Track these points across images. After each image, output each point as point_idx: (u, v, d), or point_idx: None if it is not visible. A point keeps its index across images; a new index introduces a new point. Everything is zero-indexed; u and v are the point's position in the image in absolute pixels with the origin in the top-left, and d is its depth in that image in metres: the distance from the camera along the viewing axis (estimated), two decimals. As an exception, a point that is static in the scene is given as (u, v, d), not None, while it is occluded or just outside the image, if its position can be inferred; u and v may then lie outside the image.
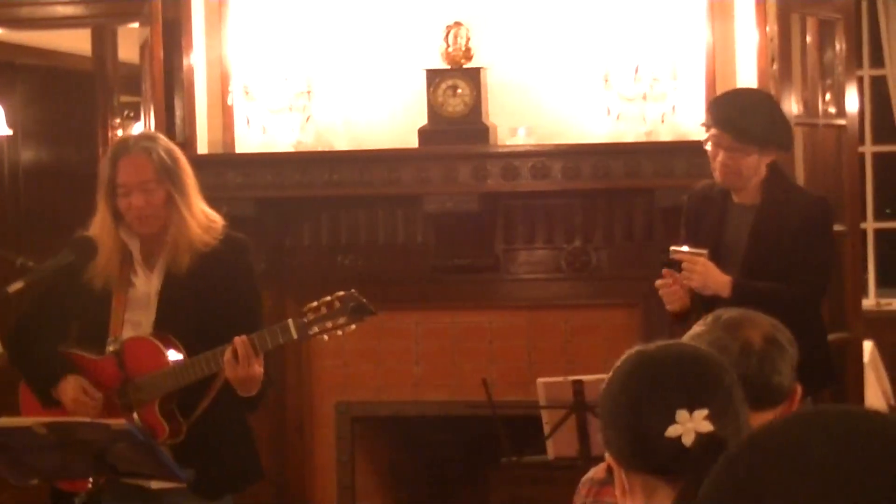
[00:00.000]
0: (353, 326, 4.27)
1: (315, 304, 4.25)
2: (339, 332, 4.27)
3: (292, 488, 6.62)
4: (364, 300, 4.25)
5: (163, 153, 4.41)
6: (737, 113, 4.87)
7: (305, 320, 4.23)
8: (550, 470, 5.74)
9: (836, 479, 1.18)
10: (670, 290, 4.80)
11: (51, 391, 4.43)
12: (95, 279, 4.43)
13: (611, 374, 2.17)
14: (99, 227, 4.45)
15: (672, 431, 2.05)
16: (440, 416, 6.54)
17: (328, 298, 4.25)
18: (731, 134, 4.83)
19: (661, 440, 2.06)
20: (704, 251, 4.79)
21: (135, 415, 4.37)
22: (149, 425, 4.34)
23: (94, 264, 4.42)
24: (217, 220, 4.50)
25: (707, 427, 2.04)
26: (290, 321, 4.24)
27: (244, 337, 4.22)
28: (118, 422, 4.08)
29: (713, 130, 4.89)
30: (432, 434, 6.88)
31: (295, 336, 4.24)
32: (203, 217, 4.45)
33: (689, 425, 2.04)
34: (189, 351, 4.36)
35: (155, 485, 4.37)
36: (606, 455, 2.17)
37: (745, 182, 4.90)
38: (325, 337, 4.28)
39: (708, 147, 4.91)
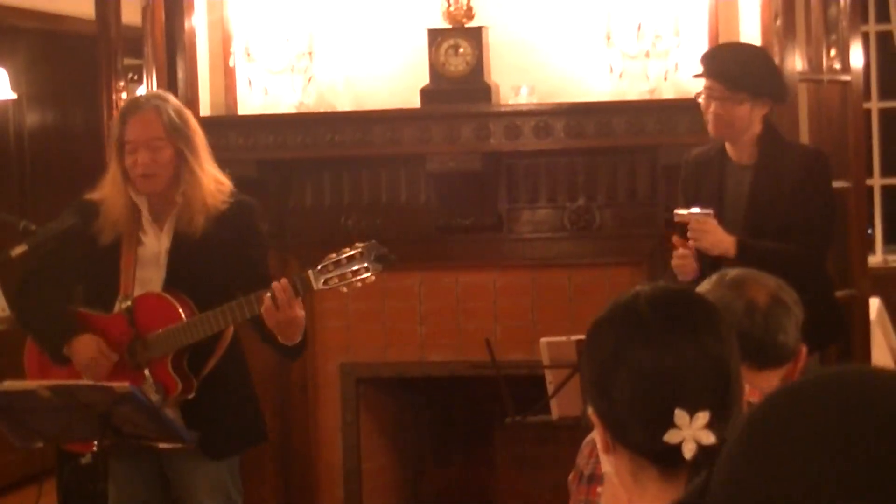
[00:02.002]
0: (374, 277, 4.24)
1: (334, 255, 4.23)
2: (359, 283, 4.24)
3: (297, 449, 6.63)
4: (385, 249, 4.22)
5: (172, 112, 4.44)
6: (729, 62, 4.86)
7: (325, 271, 4.21)
8: (554, 429, 5.74)
9: (851, 444, 1.16)
10: (684, 263, 4.77)
11: (62, 348, 4.43)
12: (103, 235, 4.44)
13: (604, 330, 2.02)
14: (109, 184, 4.48)
15: (670, 437, 1.90)
16: (444, 376, 6.54)
17: (348, 249, 4.22)
18: (723, 83, 4.81)
19: (656, 443, 1.92)
20: (710, 211, 4.78)
21: (146, 371, 4.37)
22: (161, 382, 4.36)
23: (100, 221, 4.42)
24: (225, 182, 4.52)
25: (709, 438, 1.87)
26: (310, 272, 4.22)
27: (284, 280, 4.20)
28: (122, 384, 4.09)
29: (706, 81, 4.87)
30: (436, 394, 6.89)
31: (315, 287, 4.22)
32: (213, 179, 4.46)
33: (688, 433, 1.89)
34: (199, 309, 4.37)
35: (162, 444, 4.37)
36: (590, 411, 2.02)
37: (738, 134, 4.86)
38: (345, 288, 4.25)
39: (701, 100, 4.89)
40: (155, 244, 4.47)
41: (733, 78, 4.81)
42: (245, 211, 4.50)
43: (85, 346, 4.40)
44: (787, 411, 1.21)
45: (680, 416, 1.89)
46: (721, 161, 4.96)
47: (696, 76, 4.98)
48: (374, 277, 4.23)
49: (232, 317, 4.30)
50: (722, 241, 4.74)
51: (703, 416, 1.89)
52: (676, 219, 4.81)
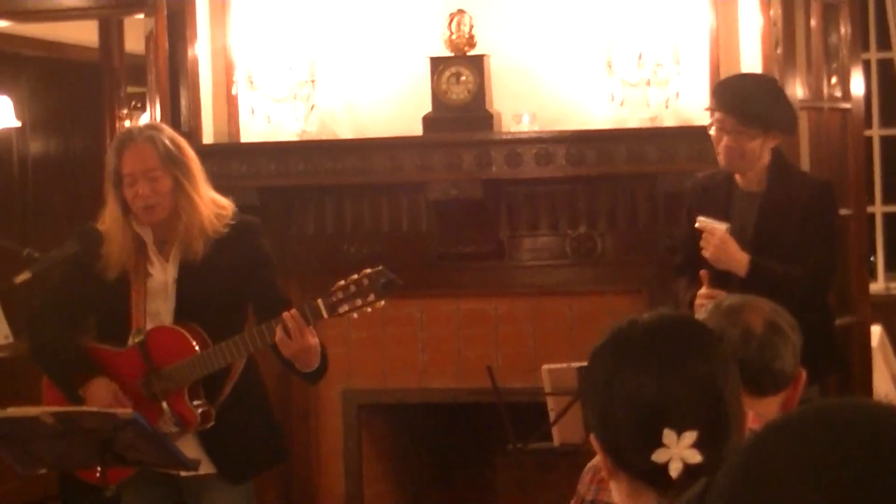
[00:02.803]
0: (383, 303, 4.25)
1: (343, 282, 4.24)
2: (369, 309, 4.25)
3: (299, 475, 6.63)
4: (393, 275, 4.22)
5: (167, 141, 4.43)
6: (741, 96, 4.87)
7: (335, 299, 4.22)
8: (554, 456, 5.74)
9: (845, 478, 1.18)
10: (703, 304, 4.74)
11: (77, 389, 4.43)
12: (109, 271, 4.43)
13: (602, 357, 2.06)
14: (109, 219, 4.47)
15: (658, 457, 1.93)
16: (445, 403, 6.55)
17: (356, 276, 4.23)
18: (735, 117, 4.83)
19: (646, 463, 1.96)
20: (726, 224, 4.80)
21: (164, 404, 4.37)
22: (179, 414, 4.35)
23: (106, 256, 4.42)
24: (227, 205, 4.51)
25: (695, 458, 1.91)
26: (319, 300, 4.22)
27: (294, 311, 4.21)
28: (124, 411, 4.10)
29: (717, 114, 4.89)
30: (438, 421, 6.89)
31: (325, 315, 4.22)
32: (212, 204, 4.46)
33: (675, 451, 1.93)
34: (211, 337, 4.37)
35: (184, 472, 4.37)
36: (592, 437, 2.07)
37: (749, 165, 4.89)
38: (355, 315, 4.26)
39: (712, 131, 4.91)
40: (162, 275, 4.46)
41: (746, 112, 4.83)
42: (248, 232, 4.50)
43: (100, 390, 4.39)
44: (784, 443, 1.23)
45: (668, 435, 1.93)
46: (728, 186, 4.98)
47: (709, 109, 4.99)
48: (382, 303, 4.24)
49: (245, 348, 4.31)
50: (732, 256, 4.77)
51: (689, 436, 1.92)
52: (698, 224, 4.82)
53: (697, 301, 4.75)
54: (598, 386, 2.01)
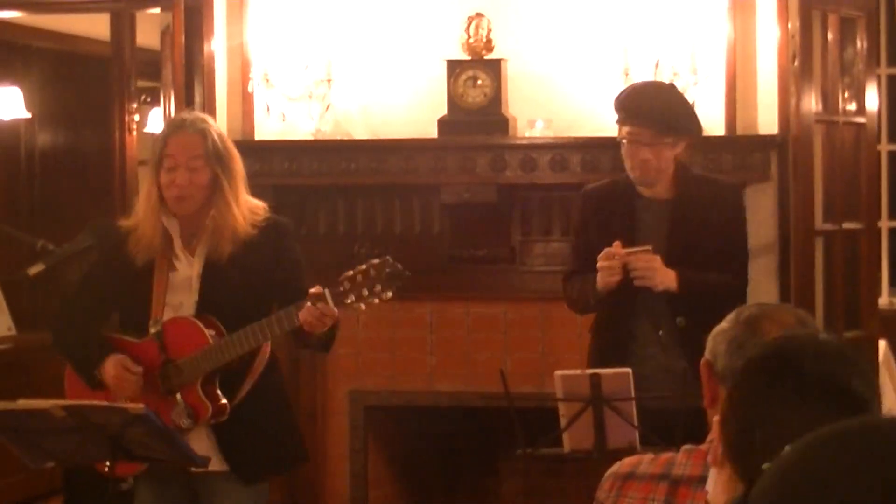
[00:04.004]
0: (390, 294, 4.23)
1: (350, 272, 4.22)
2: (376, 300, 4.23)
3: (304, 476, 6.62)
4: (399, 265, 4.21)
5: (216, 136, 4.43)
6: (654, 106, 4.79)
7: (341, 289, 4.21)
8: (562, 461, 5.74)
9: (884, 488, 1.18)
10: (612, 264, 4.74)
11: (95, 372, 4.44)
12: (137, 257, 4.42)
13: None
14: (144, 204, 4.46)
15: None
16: (453, 406, 6.54)
17: (363, 266, 4.21)
18: (652, 128, 4.76)
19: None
20: (649, 247, 4.75)
21: (178, 396, 4.37)
22: (192, 406, 4.34)
23: (134, 243, 4.41)
24: (260, 208, 4.50)
25: None
26: (326, 291, 4.20)
27: (309, 305, 4.19)
28: (136, 406, 4.09)
29: (629, 128, 4.80)
30: (444, 423, 6.88)
31: (332, 305, 4.21)
32: (246, 207, 4.45)
33: None
34: (230, 332, 4.36)
35: (195, 469, 4.36)
36: (717, 422, 1.97)
37: (663, 176, 4.84)
38: (362, 306, 4.24)
39: (624, 144, 4.83)
40: (187, 269, 4.45)
41: (661, 122, 4.76)
42: (277, 232, 4.48)
43: (110, 365, 4.41)
44: (826, 455, 1.23)
45: None
46: (630, 196, 4.90)
47: (621, 122, 4.88)
48: (390, 294, 4.22)
49: (255, 338, 4.30)
50: (668, 281, 4.73)
51: None
52: (624, 257, 4.71)
53: (599, 264, 4.73)
54: (749, 415, 1.87)
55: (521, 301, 6.48)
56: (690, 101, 5.06)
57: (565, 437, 5.03)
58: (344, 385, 6.61)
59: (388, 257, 4.24)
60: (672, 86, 5.26)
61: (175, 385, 4.38)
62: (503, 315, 6.48)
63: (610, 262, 4.72)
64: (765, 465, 1.34)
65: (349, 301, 4.20)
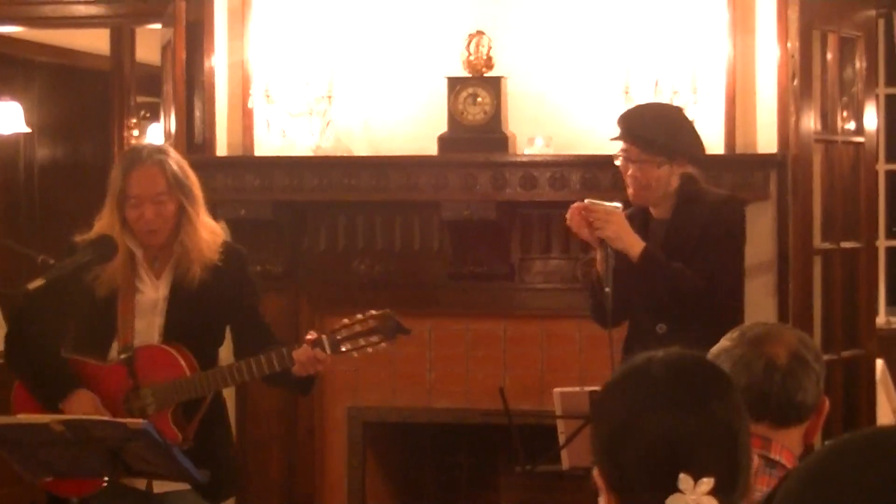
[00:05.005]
0: (386, 345, 4.30)
1: (347, 321, 4.28)
2: (370, 350, 4.29)
3: (302, 492, 6.62)
4: (400, 321, 4.27)
5: (175, 166, 4.46)
6: (644, 125, 4.84)
7: (339, 337, 4.26)
8: (559, 479, 5.74)
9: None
10: (572, 215, 4.79)
11: (58, 401, 4.42)
12: (101, 284, 4.44)
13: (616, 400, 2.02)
14: (107, 231, 4.47)
15: (672, 502, 1.88)
16: (451, 423, 6.54)
17: (361, 317, 4.27)
18: (639, 146, 4.81)
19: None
20: (619, 205, 4.79)
21: (143, 423, 4.37)
22: (162, 433, 4.34)
23: (99, 269, 4.43)
24: (218, 231, 4.57)
25: None
26: (323, 337, 4.28)
27: (305, 349, 4.28)
28: (135, 421, 4.10)
29: (623, 144, 4.87)
30: (442, 440, 6.89)
31: (329, 352, 4.27)
32: (208, 229, 4.50)
33: (691, 497, 1.87)
34: (194, 357, 4.40)
35: (157, 487, 4.38)
36: (596, 473, 2.01)
37: (655, 195, 4.85)
38: (356, 354, 4.31)
39: (618, 162, 4.89)
40: (153, 293, 4.48)
41: (650, 141, 4.80)
42: (238, 259, 4.55)
43: (81, 404, 4.40)
44: (844, 467, 1.24)
45: (684, 480, 1.88)
46: (644, 217, 4.95)
47: (614, 139, 4.95)
48: (385, 345, 4.30)
49: (242, 375, 4.38)
50: (630, 237, 4.73)
51: (707, 483, 1.88)
52: (588, 202, 4.80)
53: (569, 213, 4.79)
54: (613, 423, 1.97)
55: (521, 318, 6.49)
56: (691, 119, 5.08)
57: (564, 454, 5.05)
58: (342, 401, 6.61)
59: (389, 310, 4.31)
60: (676, 108, 5.28)
61: (137, 411, 4.39)
62: (502, 332, 6.49)
63: (571, 213, 4.78)
64: None
65: (344, 349, 4.30)
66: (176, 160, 4.50)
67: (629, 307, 4.87)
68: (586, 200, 4.84)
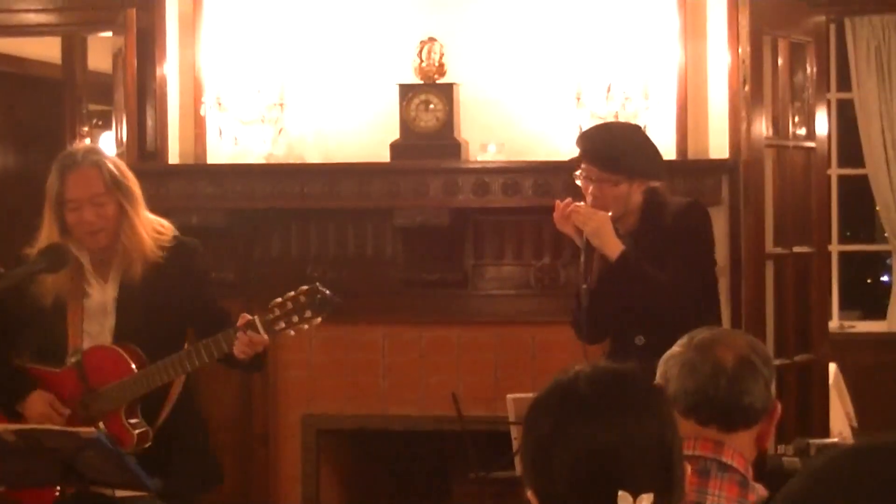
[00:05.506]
0: (320, 319, 4.26)
1: (280, 300, 4.26)
2: (306, 326, 4.27)
3: (257, 500, 6.60)
4: (328, 292, 4.24)
5: (111, 166, 4.44)
6: (602, 144, 4.85)
7: (271, 316, 4.24)
8: (515, 485, 5.73)
9: None
10: (557, 214, 4.82)
11: (15, 406, 4.41)
12: (46, 293, 4.42)
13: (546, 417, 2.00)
14: (46, 240, 4.44)
15: None
16: (406, 429, 6.54)
17: (292, 293, 4.25)
18: (597, 165, 4.83)
19: None
20: (609, 213, 4.82)
21: (101, 425, 4.36)
22: (115, 435, 4.32)
23: (42, 278, 4.40)
24: (166, 227, 4.54)
25: None
26: (255, 318, 4.24)
27: (240, 335, 4.23)
28: (88, 430, 4.07)
29: (583, 164, 4.89)
30: (397, 447, 6.88)
31: (263, 333, 4.25)
32: (150, 226, 4.47)
33: None
34: (151, 357, 4.37)
35: (119, 493, 4.35)
36: (529, 494, 2.01)
37: (616, 213, 4.86)
38: (292, 332, 4.28)
39: (579, 182, 4.91)
40: (101, 295, 4.47)
41: (606, 160, 4.82)
42: (186, 252, 4.52)
43: (36, 404, 4.40)
44: (842, 476, 1.25)
45: (623, 497, 1.87)
46: (616, 231, 4.98)
47: (572, 160, 4.97)
48: (319, 320, 4.26)
49: (182, 366, 4.33)
50: (609, 237, 4.75)
51: (646, 499, 1.88)
52: (580, 205, 4.82)
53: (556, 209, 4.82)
54: (541, 439, 1.96)
55: (474, 325, 6.49)
56: (649, 137, 5.08)
57: (518, 460, 5.05)
58: (296, 409, 6.60)
59: (317, 284, 4.28)
60: (635, 127, 5.28)
61: (96, 413, 4.38)
62: (456, 339, 6.49)
63: (557, 208, 4.81)
64: None
65: (279, 328, 4.25)
66: (112, 160, 4.49)
67: (613, 323, 4.89)
68: (575, 204, 4.85)
